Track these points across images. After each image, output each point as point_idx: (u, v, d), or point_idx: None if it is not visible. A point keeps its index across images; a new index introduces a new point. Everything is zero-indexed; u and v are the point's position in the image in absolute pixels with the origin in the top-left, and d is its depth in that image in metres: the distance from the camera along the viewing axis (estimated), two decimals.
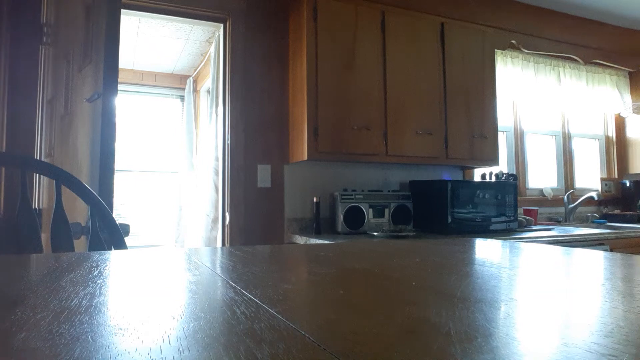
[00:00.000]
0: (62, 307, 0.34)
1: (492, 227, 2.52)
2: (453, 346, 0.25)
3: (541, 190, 3.43)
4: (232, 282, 0.45)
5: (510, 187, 2.62)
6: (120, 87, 1.67)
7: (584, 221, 3.39)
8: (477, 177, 3.04)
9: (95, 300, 0.37)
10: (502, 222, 2.56)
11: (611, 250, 2.46)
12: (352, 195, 2.46)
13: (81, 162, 1.74)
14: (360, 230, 2.44)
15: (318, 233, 2.45)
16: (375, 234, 2.30)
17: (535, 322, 0.31)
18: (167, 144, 4.54)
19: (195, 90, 4.35)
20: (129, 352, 0.24)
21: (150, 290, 0.44)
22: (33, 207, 1.23)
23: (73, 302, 0.36)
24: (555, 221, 3.30)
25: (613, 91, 3.65)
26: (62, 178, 1.08)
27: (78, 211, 1.51)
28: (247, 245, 0.81)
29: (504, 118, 3.34)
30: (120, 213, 4.23)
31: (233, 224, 2.45)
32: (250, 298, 0.37)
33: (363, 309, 0.36)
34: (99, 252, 0.74)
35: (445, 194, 2.42)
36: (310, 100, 2.30)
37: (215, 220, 2.81)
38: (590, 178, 3.74)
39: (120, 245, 1.10)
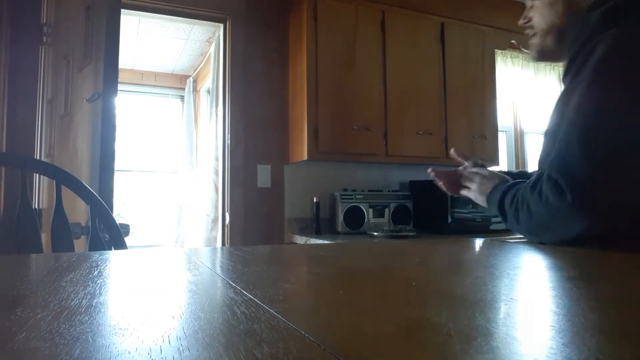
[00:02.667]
0: (62, 307, 0.34)
1: (492, 227, 2.52)
2: (453, 346, 0.25)
3: None
4: (232, 282, 0.45)
5: None
6: (120, 87, 1.67)
7: None
8: None
9: (95, 300, 0.37)
10: (502, 222, 2.55)
11: None
12: (352, 195, 2.46)
13: (81, 162, 1.74)
14: (360, 230, 2.44)
15: (318, 233, 2.45)
16: (375, 234, 2.30)
17: (536, 322, 0.31)
18: (167, 144, 4.54)
19: (195, 90, 4.34)
20: (129, 352, 0.24)
21: (150, 290, 0.44)
22: (33, 207, 1.23)
23: (73, 302, 0.36)
24: None
25: None
26: (62, 178, 1.08)
27: (78, 211, 1.51)
28: (247, 245, 0.81)
29: (504, 118, 3.34)
30: (120, 213, 4.23)
31: (233, 224, 2.45)
32: (250, 298, 0.37)
33: (363, 309, 0.36)
34: (99, 252, 0.74)
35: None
36: (310, 100, 2.30)
37: (215, 220, 2.81)
38: None
39: (120, 245, 1.10)
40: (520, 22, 1.12)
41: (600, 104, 0.77)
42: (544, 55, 1.09)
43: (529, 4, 1.08)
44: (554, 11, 1.01)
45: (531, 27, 1.08)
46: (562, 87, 0.94)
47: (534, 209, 0.82)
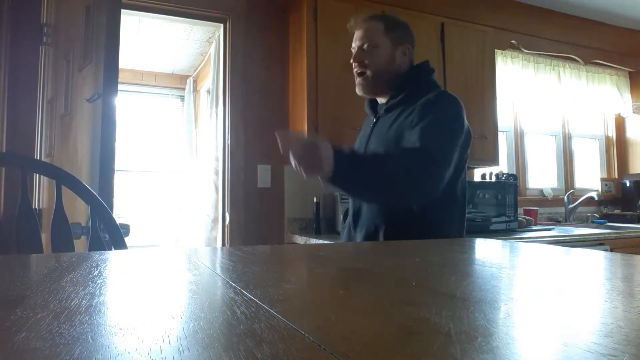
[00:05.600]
0: (62, 307, 0.34)
1: (492, 227, 2.51)
2: (453, 346, 0.25)
3: (541, 191, 3.43)
4: (232, 282, 0.45)
5: (510, 187, 2.62)
6: (120, 87, 1.67)
7: (584, 221, 3.39)
8: (477, 177, 3.04)
9: (95, 300, 0.37)
10: (502, 222, 2.55)
11: (611, 250, 2.46)
12: None
13: (81, 162, 1.73)
14: None
15: (318, 233, 2.45)
16: None
17: (535, 322, 0.31)
18: (167, 144, 4.54)
19: (195, 90, 4.34)
20: (129, 352, 0.24)
21: (150, 290, 0.44)
22: (33, 207, 1.23)
23: (73, 302, 0.36)
24: (555, 221, 3.30)
25: (613, 91, 3.65)
26: (62, 178, 1.08)
27: (78, 211, 1.51)
28: (247, 245, 0.81)
29: (504, 118, 3.34)
30: (120, 213, 4.23)
31: (233, 224, 2.45)
32: (250, 298, 0.37)
33: (363, 309, 0.36)
34: (99, 252, 0.74)
35: None
36: (310, 100, 2.30)
37: (215, 220, 2.81)
38: (590, 178, 3.74)
39: (120, 245, 1.10)
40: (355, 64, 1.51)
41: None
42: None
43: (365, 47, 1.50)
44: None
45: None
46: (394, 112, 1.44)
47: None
